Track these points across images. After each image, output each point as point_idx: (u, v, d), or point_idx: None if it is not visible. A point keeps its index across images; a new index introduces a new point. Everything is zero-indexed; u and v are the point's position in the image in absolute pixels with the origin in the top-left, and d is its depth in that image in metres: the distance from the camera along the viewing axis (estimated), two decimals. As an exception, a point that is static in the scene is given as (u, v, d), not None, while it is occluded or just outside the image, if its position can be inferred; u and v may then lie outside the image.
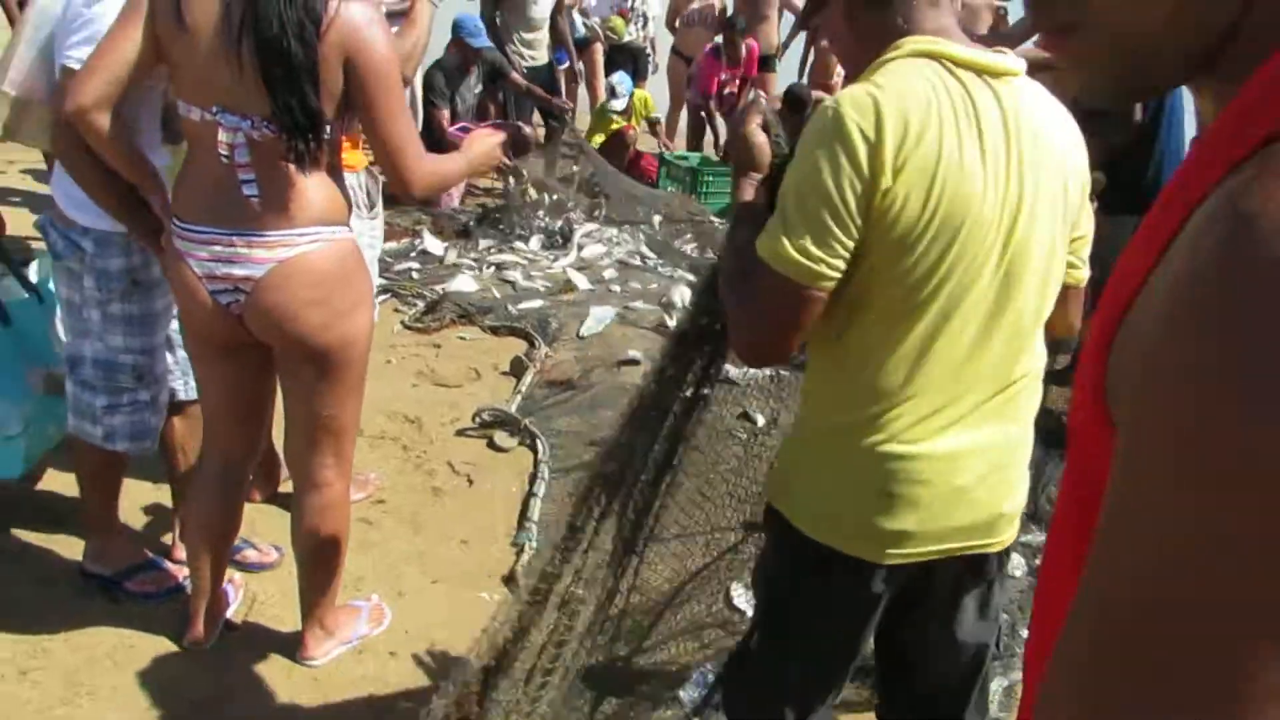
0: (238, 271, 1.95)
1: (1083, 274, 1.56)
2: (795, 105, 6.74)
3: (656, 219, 5.97)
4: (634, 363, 3.98)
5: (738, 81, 7.50)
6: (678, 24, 8.12)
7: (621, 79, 7.07)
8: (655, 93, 8.00)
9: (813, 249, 1.29)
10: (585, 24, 7.75)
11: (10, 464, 2.50)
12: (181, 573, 2.49)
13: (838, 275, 1.31)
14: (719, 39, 7.54)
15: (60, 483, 2.85)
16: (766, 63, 7.94)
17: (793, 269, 1.30)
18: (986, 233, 1.33)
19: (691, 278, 5.18)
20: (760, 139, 1.59)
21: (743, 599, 2.60)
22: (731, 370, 4.07)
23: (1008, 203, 1.34)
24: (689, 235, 5.91)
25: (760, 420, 3.52)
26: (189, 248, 1.97)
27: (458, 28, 5.90)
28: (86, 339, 2.29)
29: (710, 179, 7.13)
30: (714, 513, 3.04)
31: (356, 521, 2.90)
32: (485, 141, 2.28)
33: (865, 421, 1.40)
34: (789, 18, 7.97)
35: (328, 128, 1.92)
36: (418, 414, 3.67)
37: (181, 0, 1.86)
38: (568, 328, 4.46)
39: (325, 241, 1.99)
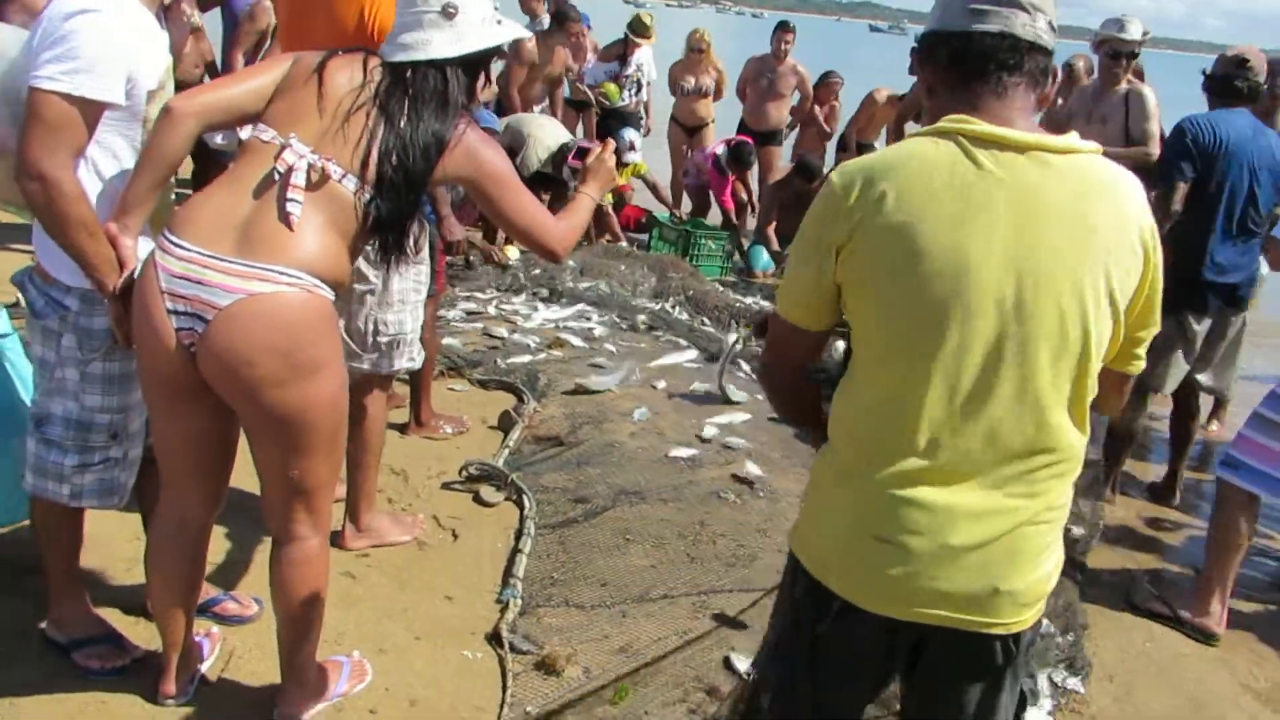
0: (203, 294, 1.85)
1: (1137, 366, 1.58)
2: (808, 173, 7.41)
3: (648, 275, 6.06)
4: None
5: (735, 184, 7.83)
6: (677, 94, 8.28)
7: (633, 132, 7.41)
8: (655, 160, 8.13)
9: (794, 290, 1.53)
10: (580, 87, 7.89)
11: (22, 507, 2.43)
12: (137, 650, 2.41)
13: (820, 313, 1.51)
14: (720, 149, 7.74)
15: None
16: (773, 137, 8.33)
17: (783, 307, 1.55)
18: (977, 295, 1.36)
19: (684, 343, 5.19)
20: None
21: (744, 664, 2.54)
22: (734, 438, 4.07)
23: (1007, 268, 1.37)
24: (683, 297, 5.95)
25: (753, 478, 3.51)
26: (165, 259, 1.89)
27: None
28: (56, 398, 2.18)
29: (703, 241, 7.19)
30: (700, 574, 3.02)
31: (340, 575, 2.86)
32: (599, 167, 2.38)
33: (866, 463, 1.45)
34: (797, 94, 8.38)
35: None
36: (404, 466, 3.64)
37: (326, 65, 2.02)
38: (556, 383, 4.45)
39: (304, 290, 1.90)
